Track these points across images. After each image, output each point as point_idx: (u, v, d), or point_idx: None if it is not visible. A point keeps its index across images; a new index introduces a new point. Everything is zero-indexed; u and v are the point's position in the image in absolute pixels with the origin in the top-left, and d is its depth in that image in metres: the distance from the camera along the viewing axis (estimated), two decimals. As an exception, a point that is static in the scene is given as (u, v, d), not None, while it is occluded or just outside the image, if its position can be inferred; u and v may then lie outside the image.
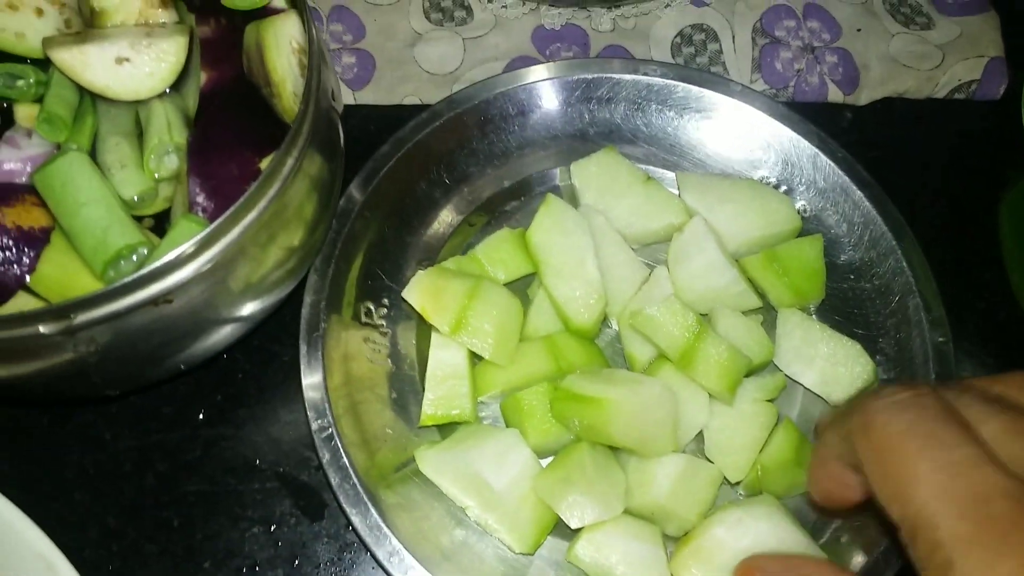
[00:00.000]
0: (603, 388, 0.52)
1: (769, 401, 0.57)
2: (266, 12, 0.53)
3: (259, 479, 0.58)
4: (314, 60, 0.49)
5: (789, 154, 0.66)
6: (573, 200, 0.65)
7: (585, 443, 0.54)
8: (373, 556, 0.52)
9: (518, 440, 0.54)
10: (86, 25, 0.52)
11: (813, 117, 0.66)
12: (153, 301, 0.44)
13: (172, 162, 0.50)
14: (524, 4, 0.75)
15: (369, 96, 0.72)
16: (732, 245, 0.62)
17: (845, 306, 0.63)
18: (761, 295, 0.62)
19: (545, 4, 0.75)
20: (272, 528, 0.57)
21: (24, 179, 0.50)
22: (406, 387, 0.59)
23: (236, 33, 0.53)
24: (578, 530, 0.53)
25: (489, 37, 0.74)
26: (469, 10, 0.75)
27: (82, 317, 0.43)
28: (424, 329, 0.61)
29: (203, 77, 0.52)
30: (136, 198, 0.50)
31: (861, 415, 0.37)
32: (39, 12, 0.52)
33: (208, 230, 0.44)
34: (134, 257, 0.48)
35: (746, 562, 0.47)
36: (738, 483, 0.57)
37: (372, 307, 0.61)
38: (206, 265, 0.45)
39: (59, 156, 0.48)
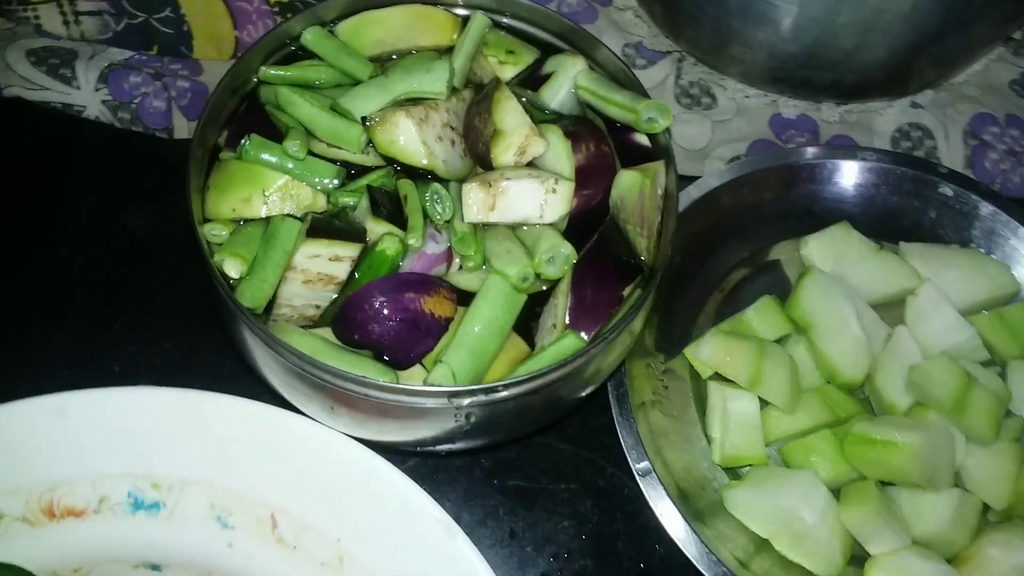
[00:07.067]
0: (897, 433, 0.62)
1: (1015, 440, 0.67)
2: (630, 147, 0.65)
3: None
4: (673, 206, 0.61)
5: (994, 228, 0.76)
6: (801, 270, 0.75)
7: (871, 480, 0.64)
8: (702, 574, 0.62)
9: (815, 480, 0.64)
10: (477, 142, 0.62)
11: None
12: (535, 391, 0.57)
13: (555, 269, 0.60)
14: (766, 96, 0.87)
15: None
16: (958, 307, 0.72)
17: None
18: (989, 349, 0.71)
19: (784, 96, 0.86)
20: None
21: (437, 269, 0.61)
22: (690, 433, 0.70)
23: (604, 159, 0.63)
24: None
25: (733, 122, 0.87)
26: (714, 97, 0.88)
27: (488, 396, 0.55)
28: (695, 383, 0.71)
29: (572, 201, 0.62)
30: (522, 279, 0.59)
31: None
32: (452, 143, 0.63)
33: (590, 348, 0.56)
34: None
35: None
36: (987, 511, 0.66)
37: (653, 364, 0.71)
38: (569, 369, 0.56)
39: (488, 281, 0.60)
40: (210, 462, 0.61)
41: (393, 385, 0.54)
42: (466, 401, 0.55)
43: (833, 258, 0.75)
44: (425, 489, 0.65)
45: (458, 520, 0.63)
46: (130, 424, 0.61)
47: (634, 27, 0.93)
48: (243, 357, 0.62)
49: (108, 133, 0.82)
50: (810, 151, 0.79)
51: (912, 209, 0.78)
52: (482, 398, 0.55)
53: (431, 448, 0.63)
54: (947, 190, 0.77)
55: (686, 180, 0.77)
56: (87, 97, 0.82)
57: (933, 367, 0.65)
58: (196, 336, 0.73)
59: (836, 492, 0.65)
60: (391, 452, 0.62)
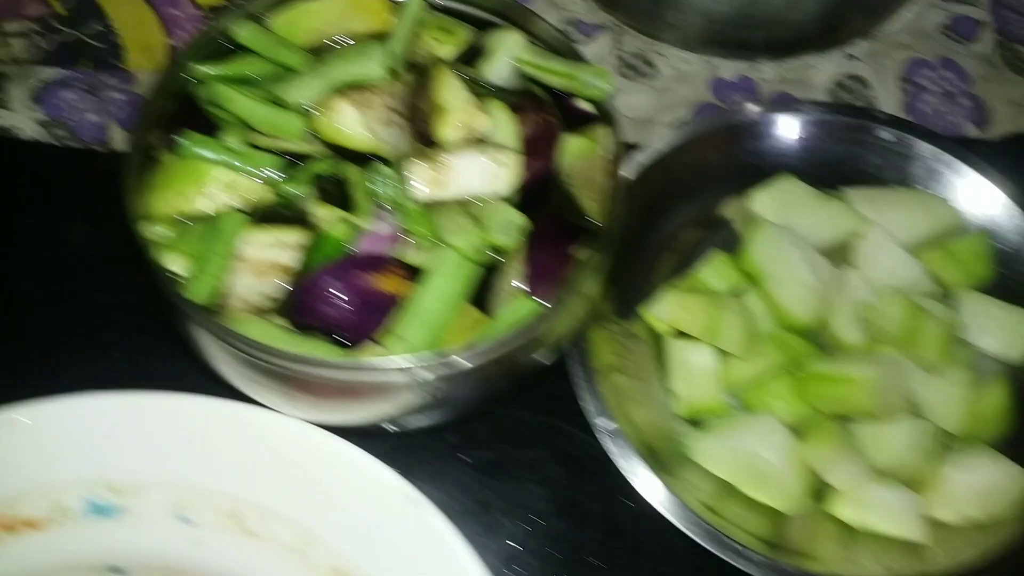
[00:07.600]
0: (852, 368, 0.62)
1: (967, 366, 0.68)
2: (574, 114, 0.65)
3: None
4: (619, 167, 0.62)
5: (934, 167, 0.77)
6: (749, 224, 0.76)
7: (829, 417, 0.64)
8: (671, 522, 0.62)
9: (774, 421, 0.64)
10: (421, 122, 0.62)
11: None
12: (497, 360, 0.57)
13: (507, 238, 0.60)
14: (705, 60, 0.88)
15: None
16: (905, 245, 0.73)
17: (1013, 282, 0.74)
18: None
19: (722, 59, 0.87)
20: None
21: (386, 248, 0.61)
22: (653, 391, 0.70)
23: (549, 129, 0.63)
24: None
25: (675, 88, 0.87)
26: (654, 66, 0.89)
27: (448, 364, 0.55)
28: (655, 344, 0.71)
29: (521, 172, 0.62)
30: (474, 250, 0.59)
31: None
32: (397, 125, 0.62)
33: (548, 311, 0.57)
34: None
35: None
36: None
37: (612, 328, 0.72)
38: (529, 333, 0.57)
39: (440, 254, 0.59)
40: (168, 461, 0.61)
41: (353, 362, 0.54)
42: (427, 370, 0.55)
43: (780, 209, 0.75)
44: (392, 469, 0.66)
45: (427, 496, 0.63)
46: (83, 431, 0.61)
47: (569, 3, 0.93)
48: (196, 356, 0.62)
49: (46, 151, 0.81)
50: (752, 109, 0.80)
51: (853, 156, 0.79)
52: (441, 366, 0.55)
53: (393, 425, 0.63)
54: (887, 134, 0.78)
55: (635, 148, 0.78)
56: (21, 118, 0.81)
57: (881, 301, 0.66)
58: (146, 345, 0.72)
59: (798, 433, 0.65)
60: (354, 436, 0.62)
